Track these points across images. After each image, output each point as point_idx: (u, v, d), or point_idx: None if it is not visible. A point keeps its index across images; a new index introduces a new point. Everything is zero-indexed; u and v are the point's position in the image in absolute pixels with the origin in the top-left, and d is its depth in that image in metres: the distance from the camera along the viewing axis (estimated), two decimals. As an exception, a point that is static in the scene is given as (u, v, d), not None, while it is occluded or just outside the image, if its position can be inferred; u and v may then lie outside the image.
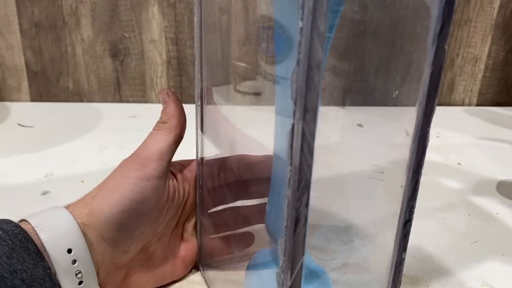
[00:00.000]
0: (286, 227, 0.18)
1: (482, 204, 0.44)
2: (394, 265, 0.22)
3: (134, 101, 0.74)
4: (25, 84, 0.72)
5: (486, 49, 0.77)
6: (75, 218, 0.25)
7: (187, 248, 0.31)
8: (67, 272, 0.24)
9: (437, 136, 0.64)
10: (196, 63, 0.27)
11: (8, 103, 0.71)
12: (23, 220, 0.25)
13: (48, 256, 0.23)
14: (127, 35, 0.70)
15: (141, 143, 0.29)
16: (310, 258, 0.29)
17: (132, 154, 0.28)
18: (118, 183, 0.26)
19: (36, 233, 0.24)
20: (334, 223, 0.34)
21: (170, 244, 0.30)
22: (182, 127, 0.29)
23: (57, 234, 0.24)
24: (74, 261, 0.24)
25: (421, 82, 0.18)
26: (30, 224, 0.24)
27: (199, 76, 0.28)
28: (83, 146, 0.55)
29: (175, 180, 0.29)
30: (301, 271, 0.19)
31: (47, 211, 0.25)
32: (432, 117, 0.19)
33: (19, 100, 0.72)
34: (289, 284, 0.19)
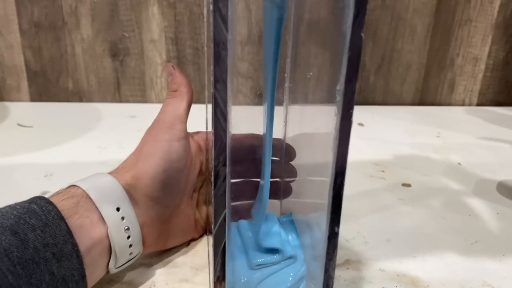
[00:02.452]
0: (211, 183, 0.21)
1: (482, 204, 0.44)
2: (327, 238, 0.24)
3: (134, 101, 0.74)
4: (24, 84, 0.72)
5: (487, 49, 0.77)
6: (119, 181, 0.28)
7: (201, 212, 0.35)
8: (117, 228, 0.27)
9: (437, 136, 0.64)
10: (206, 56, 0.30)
11: (7, 103, 0.71)
12: (72, 185, 0.28)
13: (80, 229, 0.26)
14: (126, 35, 0.70)
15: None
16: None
17: (155, 122, 0.32)
18: (154, 148, 0.30)
19: (88, 195, 0.27)
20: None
21: (192, 206, 0.34)
22: (192, 93, 0.32)
23: (107, 194, 0.27)
24: (122, 218, 0.28)
25: (341, 68, 0.20)
26: (81, 188, 0.27)
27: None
28: (83, 146, 0.55)
29: (192, 140, 0.33)
30: (224, 223, 0.22)
31: (94, 177, 0.29)
32: (353, 100, 0.20)
33: (19, 100, 0.72)
34: (214, 232, 0.22)
